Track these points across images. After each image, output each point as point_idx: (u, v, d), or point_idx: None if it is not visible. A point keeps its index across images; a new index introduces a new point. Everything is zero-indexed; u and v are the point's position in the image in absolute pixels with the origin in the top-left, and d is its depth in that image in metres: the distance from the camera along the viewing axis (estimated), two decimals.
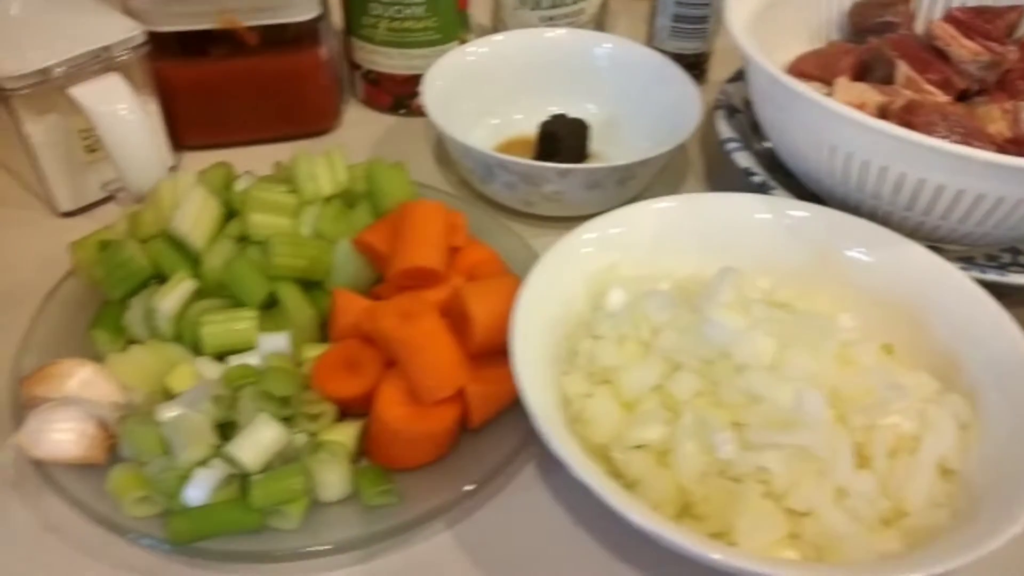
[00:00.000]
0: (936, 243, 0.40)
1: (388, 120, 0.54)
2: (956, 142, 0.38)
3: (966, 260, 0.39)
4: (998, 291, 0.34)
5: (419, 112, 0.53)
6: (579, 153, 0.49)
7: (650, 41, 0.56)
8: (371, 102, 0.54)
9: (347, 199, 0.41)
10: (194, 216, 0.38)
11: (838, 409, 0.30)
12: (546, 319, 0.34)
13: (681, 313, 0.32)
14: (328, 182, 0.40)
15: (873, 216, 0.40)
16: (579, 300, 0.36)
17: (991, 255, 0.43)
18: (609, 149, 0.50)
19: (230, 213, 0.40)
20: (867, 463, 0.30)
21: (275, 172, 0.43)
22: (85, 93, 0.41)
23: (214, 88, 0.48)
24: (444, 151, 0.51)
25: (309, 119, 0.51)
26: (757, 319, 0.31)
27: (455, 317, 0.35)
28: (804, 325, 0.31)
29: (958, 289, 0.34)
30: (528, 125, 0.50)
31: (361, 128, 0.53)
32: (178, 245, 0.38)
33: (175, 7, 0.44)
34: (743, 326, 0.31)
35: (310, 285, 0.38)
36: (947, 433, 0.30)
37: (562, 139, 0.48)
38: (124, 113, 0.42)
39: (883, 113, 0.40)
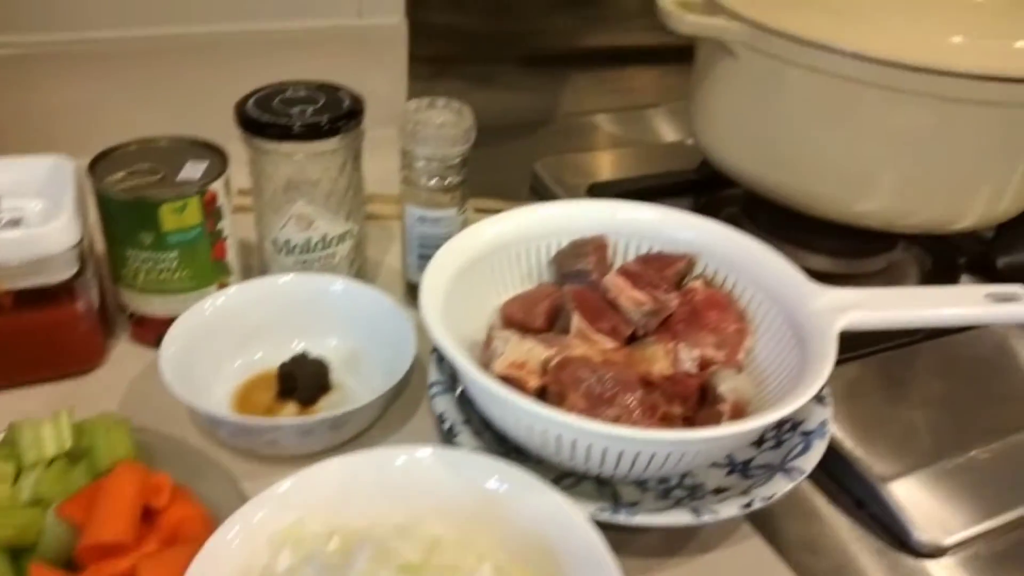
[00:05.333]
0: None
1: (154, 355, 0.58)
2: (602, 393, 0.45)
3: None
4: None
5: None
6: (319, 389, 0.54)
7: (405, 275, 0.64)
8: (138, 339, 0.59)
9: (74, 456, 0.45)
10: None
11: None
12: None
13: None
14: (52, 445, 0.44)
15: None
16: (260, 563, 0.40)
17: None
18: (351, 380, 0.56)
19: None
20: None
21: (6, 433, 0.46)
22: None
23: None
24: None
25: (69, 365, 0.55)
26: None
27: None
28: None
29: (585, 542, 0.40)
30: (272, 362, 0.55)
31: (126, 364, 0.57)
32: None
33: None
34: None
35: (24, 552, 0.41)
36: None
37: (298, 378, 0.53)
38: None
39: (545, 370, 0.47)
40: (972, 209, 0.64)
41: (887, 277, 0.74)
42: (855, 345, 0.61)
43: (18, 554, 0.41)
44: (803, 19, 0.60)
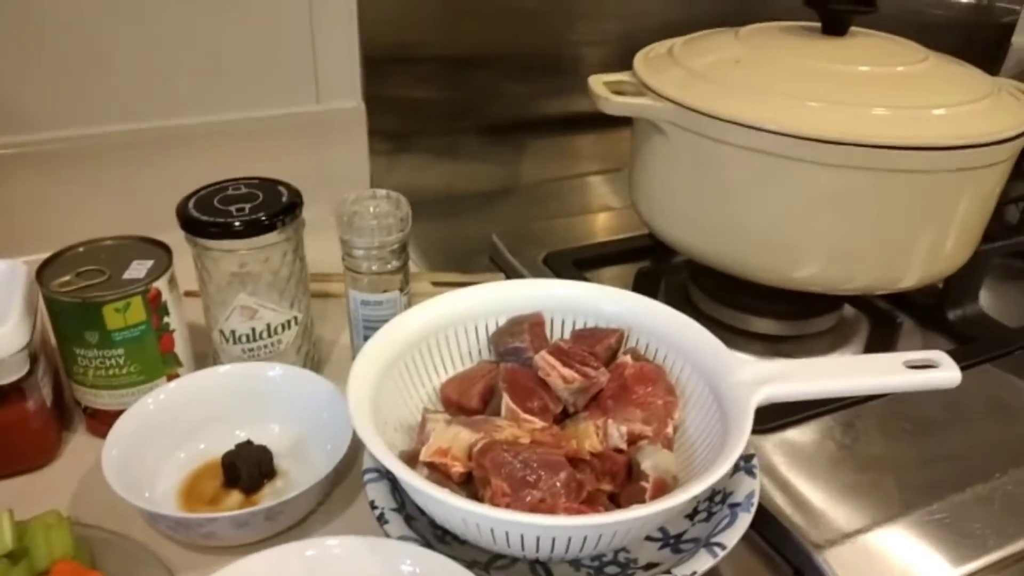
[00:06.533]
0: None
1: None
2: (525, 476, 0.46)
3: None
4: None
5: None
6: (262, 477, 0.55)
7: (354, 356, 0.65)
8: (93, 431, 0.60)
9: (16, 556, 0.47)
10: None
11: None
12: None
13: None
14: None
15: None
16: None
17: None
18: (295, 467, 0.57)
19: None
20: None
21: None
22: None
23: None
24: None
25: (22, 462, 0.57)
26: None
27: None
28: None
29: None
30: (216, 452, 0.56)
31: (82, 456, 0.59)
32: None
33: None
34: None
35: None
36: None
37: (241, 467, 0.55)
38: None
39: (470, 455, 0.48)
40: (912, 269, 0.66)
41: (836, 335, 0.75)
42: (800, 408, 0.62)
43: None
44: (728, 98, 0.62)
